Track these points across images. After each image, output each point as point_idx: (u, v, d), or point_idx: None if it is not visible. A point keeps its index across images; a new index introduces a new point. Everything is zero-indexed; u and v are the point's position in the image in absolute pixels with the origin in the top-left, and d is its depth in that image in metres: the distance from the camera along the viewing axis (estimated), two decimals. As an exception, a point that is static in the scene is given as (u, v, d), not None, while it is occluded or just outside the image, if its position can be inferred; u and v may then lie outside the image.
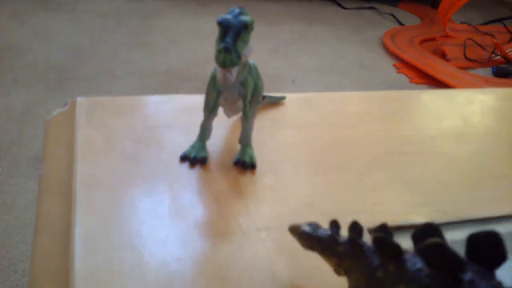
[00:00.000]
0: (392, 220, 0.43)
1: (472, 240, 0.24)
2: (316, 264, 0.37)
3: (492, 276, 0.23)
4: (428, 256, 0.25)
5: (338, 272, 0.33)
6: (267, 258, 0.38)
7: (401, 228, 0.42)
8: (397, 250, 0.26)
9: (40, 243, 0.38)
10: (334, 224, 0.33)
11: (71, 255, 0.36)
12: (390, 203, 0.46)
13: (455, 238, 0.42)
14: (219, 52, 0.40)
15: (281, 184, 0.47)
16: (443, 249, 0.23)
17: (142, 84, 1.86)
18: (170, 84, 1.88)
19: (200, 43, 2.22)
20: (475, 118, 0.64)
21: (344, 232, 0.33)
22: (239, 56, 0.41)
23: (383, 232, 0.29)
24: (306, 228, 0.35)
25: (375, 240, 0.28)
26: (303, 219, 0.43)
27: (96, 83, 1.83)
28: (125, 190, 0.43)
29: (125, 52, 2.08)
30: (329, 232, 0.33)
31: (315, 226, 0.35)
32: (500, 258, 0.23)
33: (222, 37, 0.41)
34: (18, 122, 1.56)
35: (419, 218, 0.44)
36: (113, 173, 0.45)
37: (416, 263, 0.26)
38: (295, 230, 0.36)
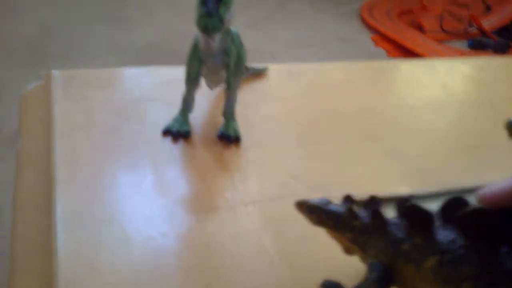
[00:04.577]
0: (377, 191, 0.43)
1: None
2: (303, 235, 0.37)
3: None
4: (466, 225, 0.23)
5: (349, 250, 0.31)
6: (255, 232, 0.37)
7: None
8: (429, 220, 0.25)
9: (21, 220, 0.37)
10: (348, 199, 0.32)
11: (53, 232, 0.35)
12: (374, 174, 0.46)
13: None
14: (200, 16, 0.39)
15: (266, 157, 0.46)
16: (485, 217, 0.22)
17: (119, 61, 1.81)
18: (148, 60, 1.84)
19: (179, 16, 2.17)
20: (455, 88, 0.64)
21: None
22: (221, 21, 0.40)
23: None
24: (316, 202, 0.33)
25: (406, 209, 0.27)
26: (289, 191, 0.42)
27: (70, 61, 1.78)
28: (106, 165, 0.42)
29: (100, 27, 2.03)
30: (340, 208, 0.31)
31: (325, 201, 0.33)
32: None
33: (204, 1, 0.40)
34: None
35: (403, 189, 0.44)
36: (94, 148, 0.43)
37: (447, 235, 0.24)
38: (303, 206, 0.33)
